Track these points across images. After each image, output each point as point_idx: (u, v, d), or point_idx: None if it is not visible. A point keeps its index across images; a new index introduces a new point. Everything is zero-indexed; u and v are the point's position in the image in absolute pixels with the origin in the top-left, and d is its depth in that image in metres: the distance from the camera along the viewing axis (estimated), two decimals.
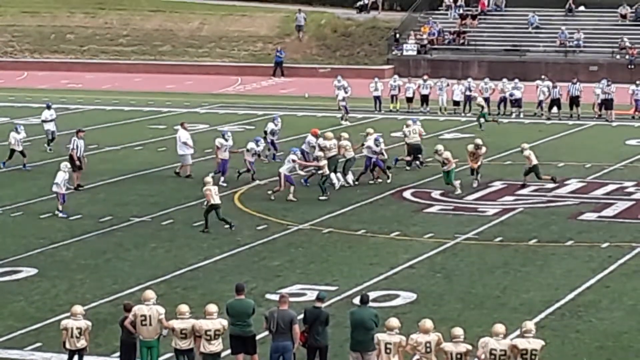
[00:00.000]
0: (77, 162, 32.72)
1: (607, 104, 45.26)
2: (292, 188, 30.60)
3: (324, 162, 31.42)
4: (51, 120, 39.22)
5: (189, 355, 17.63)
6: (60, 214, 29.22)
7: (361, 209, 30.06)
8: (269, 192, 31.04)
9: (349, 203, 30.24)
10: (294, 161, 30.90)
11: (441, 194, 31.49)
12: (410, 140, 34.95)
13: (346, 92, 45.58)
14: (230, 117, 46.48)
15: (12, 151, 35.79)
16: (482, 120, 42.89)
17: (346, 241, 26.79)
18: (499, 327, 16.58)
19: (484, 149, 32.85)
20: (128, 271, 24.34)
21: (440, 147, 32.55)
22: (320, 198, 30.62)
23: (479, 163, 32.56)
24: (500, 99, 46.80)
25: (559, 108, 45.52)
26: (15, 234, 27.80)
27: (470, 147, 32.81)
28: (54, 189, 29.67)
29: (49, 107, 39.74)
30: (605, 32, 61.01)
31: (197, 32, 67.87)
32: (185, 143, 34.27)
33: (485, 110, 44.03)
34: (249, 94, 55.85)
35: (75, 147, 33.08)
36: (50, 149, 38.51)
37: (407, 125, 35.34)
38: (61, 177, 29.62)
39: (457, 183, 31.45)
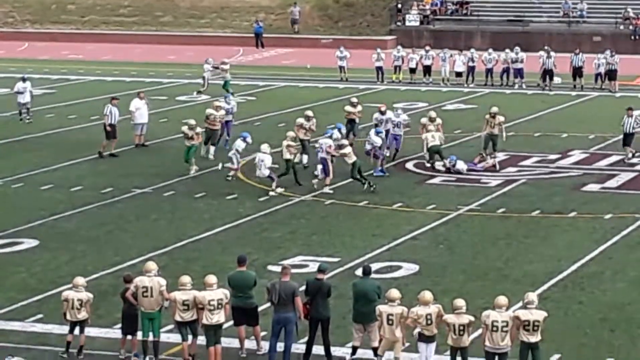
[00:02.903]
0: (109, 129, 32.92)
1: (610, 74, 45.06)
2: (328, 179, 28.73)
3: (348, 150, 28.52)
4: (23, 92, 38.83)
5: (191, 327, 17.59)
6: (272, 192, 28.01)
7: None
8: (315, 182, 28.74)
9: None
10: (329, 147, 28.55)
11: (444, 165, 31.35)
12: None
13: (209, 64, 44.79)
14: (231, 88, 46.27)
15: None
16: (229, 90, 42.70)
17: (348, 212, 26.71)
18: (502, 300, 16.53)
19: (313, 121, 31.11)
20: (129, 243, 24.29)
21: (433, 113, 32.22)
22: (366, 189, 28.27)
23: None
24: (503, 70, 46.63)
25: (551, 79, 45.25)
26: (16, 205, 27.73)
27: (291, 135, 29.76)
28: (263, 173, 28.20)
29: (24, 80, 39.37)
30: (609, 2, 60.69)
31: (199, 2, 67.58)
32: (131, 112, 34.14)
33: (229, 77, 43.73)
34: (251, 64, 55.66)
35: (108, 113, 33.11)
36: (28, 119, 38.27)
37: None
38: (268, 160, 28.13)
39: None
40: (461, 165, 30.59)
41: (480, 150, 31.69)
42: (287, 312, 17.52)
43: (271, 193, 28.10)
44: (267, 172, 28.27)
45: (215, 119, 32.53)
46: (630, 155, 31.60)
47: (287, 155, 28.83)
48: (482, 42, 56.59)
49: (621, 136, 32.43)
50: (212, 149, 32.31)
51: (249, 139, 29.86)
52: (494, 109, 32.00)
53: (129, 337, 17.88)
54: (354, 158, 28.43)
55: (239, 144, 29.77)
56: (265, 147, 28.50)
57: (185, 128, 30.90)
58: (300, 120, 31.65)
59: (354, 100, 34.14)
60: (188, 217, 26.34)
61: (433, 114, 32.36)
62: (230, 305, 17.67)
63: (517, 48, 46.76)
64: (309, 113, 32.06)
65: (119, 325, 18.19)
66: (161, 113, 39.95)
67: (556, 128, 36.51)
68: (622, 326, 19.18)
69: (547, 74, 45.35)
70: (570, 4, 59.74)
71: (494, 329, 16.30)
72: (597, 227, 25.27)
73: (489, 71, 46.72)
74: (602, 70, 45.28)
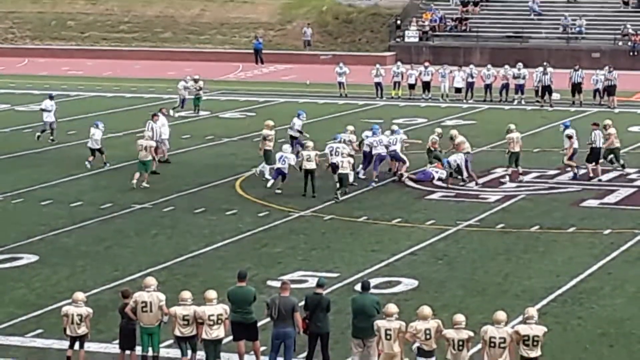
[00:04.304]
0: None
1: (609, 90, 45.18)
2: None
3: (342, 159, 29.50)
4: (51, 111, 38.65)
5: (191, 342, 17.61)
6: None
7: (363, 195, 30.00)
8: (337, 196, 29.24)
9: (351, 190, 30.14)
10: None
11: (443, 181, 31.39)
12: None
13: (186, 82, 44.82)
14: (231, 103, 46.42)
15: (93, 150, 33.57)
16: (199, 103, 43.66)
17: (348, 228, 26.74)
18: (500, 315, 16.53)
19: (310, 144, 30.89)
20: (129, 258, 24.30)
21: (454, 131, 32.47)
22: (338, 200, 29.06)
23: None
24: (502, 86, 46.76)
25: (550, 94, 45.39)
26: (16, 220, 27.74)
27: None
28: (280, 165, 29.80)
29: (51, 98, 39.10)
30: (608, 18, 60.90)
31: (198, 18, 67.76)
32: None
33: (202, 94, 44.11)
34: (250, 80, 55.78)
35: (150, 130, 32.95)
36: (51, 139, 37.74)
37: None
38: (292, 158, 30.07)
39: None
40: (458, 158, 30.70)
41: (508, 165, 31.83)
42: (287, 327, 17.55)
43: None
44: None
45: (272, 139, 32.29)
46: (592, 175, 31.37)
47: (346, 170, 29.24)
48: (481, 58, 56.73)
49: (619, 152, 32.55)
50: (268, 168, 32.08)
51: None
52: (508, 126, 32.22)
53: (128, 352, 17.88)
54: (347, 171, 29.12)
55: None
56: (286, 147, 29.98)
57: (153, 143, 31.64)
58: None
59: (439, 130, 33.40)
60: (188, 233, 26.37)
61: (454, 131, 32.61)
62: (230, 320, 17.69)
63: (520, 64, 46.90)
64: (394, 127, 32.76)
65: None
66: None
67: (555, 144, 36.52)
68: (621, 341, 19.18)
69: (546, 90, 45.46)
70: (569, 19, 59.91)
71: (492, 344, 16.30)
72: (596, 243, 25.29)
73: (488, 87, 46.84)
74: (600, 86, 45.43)
